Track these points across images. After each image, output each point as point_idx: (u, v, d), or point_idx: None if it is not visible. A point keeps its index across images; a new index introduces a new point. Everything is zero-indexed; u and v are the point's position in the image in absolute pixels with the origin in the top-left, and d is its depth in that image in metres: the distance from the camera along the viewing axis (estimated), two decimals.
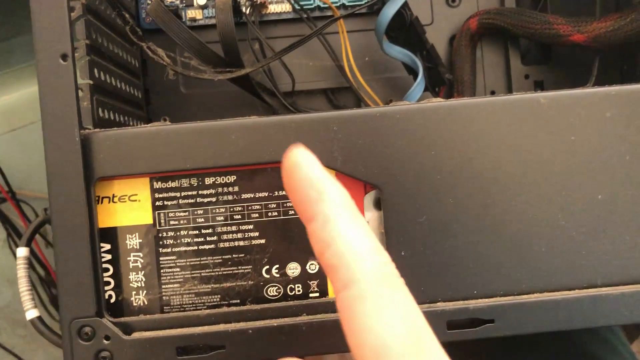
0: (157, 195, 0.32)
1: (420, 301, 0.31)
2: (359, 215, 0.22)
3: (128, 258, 0.32)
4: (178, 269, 0.32)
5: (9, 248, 0.76)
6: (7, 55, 0.73)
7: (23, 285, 0.35)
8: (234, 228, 0.32)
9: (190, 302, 0.32)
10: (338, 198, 0.21)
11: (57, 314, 0.77)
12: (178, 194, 0.32)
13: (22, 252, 0.35)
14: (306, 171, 0.22)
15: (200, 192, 0.32)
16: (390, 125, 0.31)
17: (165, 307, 0.32)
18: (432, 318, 0.31)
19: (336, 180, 0.22)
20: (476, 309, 0.31)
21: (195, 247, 0.32)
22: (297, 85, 0.50)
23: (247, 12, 0.48)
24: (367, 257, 0.21)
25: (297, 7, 0.48)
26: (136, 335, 0.31)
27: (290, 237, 0.32)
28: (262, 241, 0.33)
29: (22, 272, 0.35)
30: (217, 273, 0.32)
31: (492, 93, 0.51)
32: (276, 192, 0.32)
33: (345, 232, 0.21)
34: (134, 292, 0.32)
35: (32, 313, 0.34)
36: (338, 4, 0.49)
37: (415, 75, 0.45)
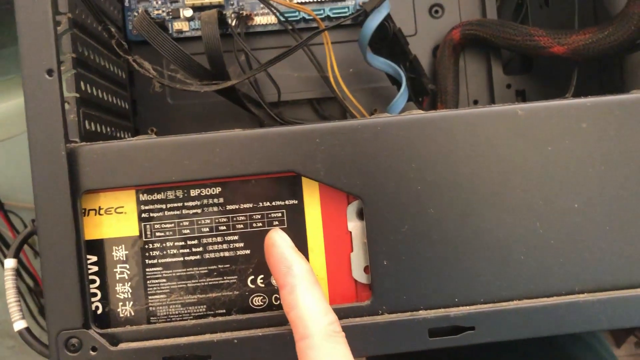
0: (143, 207, 0.33)
1: (402, 309, 0.32)
2: (315, 284, 0.30)
3: (114, 269, 0.33)
4: (164, 280, 0.33)
5: None
6: None
7: (11, 296, 0.35)
8: (219, 239, 0.33)
9: (177, 312, 0.33)
10: (301, 272, 0.29)
11: (46, 324, 0.77)
12: (164, 206, 0.33)
13: (10, 263, 0.35)
14: (280, 249, 0.30)
15: (185, 203, 0.33)
16: (371, 137, 0.32)
17: (151, 318, 0.33)
18: (414, 326, 0.32)
19: (302, 257, 0.30)
20: (457, 316, 0.32)
21: (181, 258, 0.33)
22: (283, 96, 0.50)
23: (233, 24, 0.48)
24: (318, 318, 0.28)
25: (282, 19, 0.48)
26: (123, 346, 0.32)
27: None
28: (247, 252, 0.33)
29: (9, 283, 0.35)
30: (202, 283, 0.33)
31: (475, 102, 0.52)
32: (260, 203, 0.33)
33: (304, 299, 0.29)
34: (120, 303, 0.33)
35: (20, 324, 0.34)
36: (323, 16, 0.50)
37: (399, 86, 0.46)
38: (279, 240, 0.30)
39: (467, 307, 0.32)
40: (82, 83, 0.38)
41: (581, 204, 0.32)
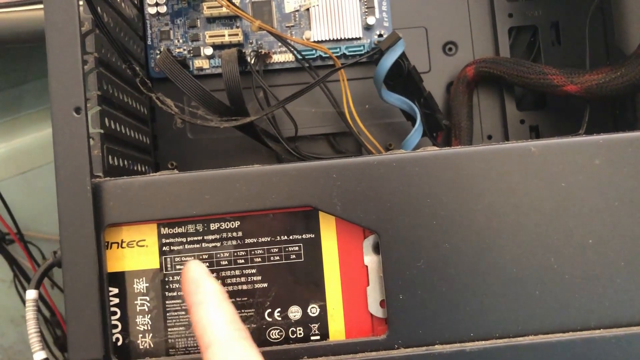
0: (164, 241, 0.34)
1: (418, 344, 0.32)
2: (225, 301, 0.30)
3: (135, 302, 0.33)
4: (183, 312, 0.33)
5: (15, 289, 0.76)
6: (17, 101, 0.75)
7: (32, 327, 0.35)
8: (237, 272, 0.34)
9: (195, 345, 0.33)
10: (209, 290, 0.30)
11: (60, 355, 0.77)
12: (184, 239, 0.34)
13: (31, 294, 0.36)
14: (192, 273, 0.31)
15: (205, 237, 0.34)
16: (387, 173, 0.33)
17: (170, 350, 0.33)
18: None
19: (214, 280, 0.31)
20: (473, 351, 0.32)
21: None
22: (300, 131, 0.51)
23: (252, 61, 0.50)
24: (221, 326, 0.28)
25: (299, 57, 0.50)
26: None
27: (292, 281, 0.34)
28: (265, 285, 0.34)
29: (30, 314, 0.36)
30: None
31: (489, 137, 0.53)
32: (278, 237, 0.34)
33: (210, 311, 0.29)
34: (140, 335, 0.33)
35: (39, 355, 0.35)
36: (339, 54, 0.51)
37: (414, 121, 0.47)
38: (192, 267, 0.31)
39: (483, 342, 0.32)
40: (106, 119, 0.39)
41: (595, 240, 0.32)
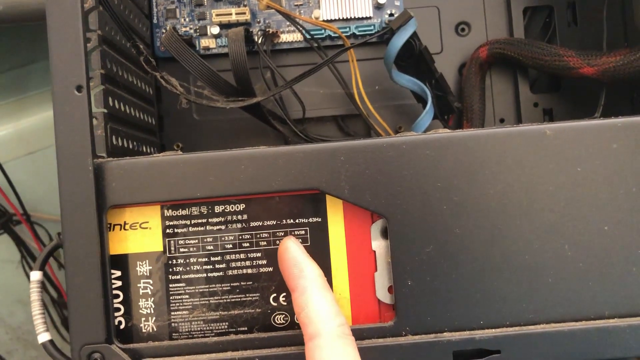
0: (167, 223, 0.33)
1: (426, 330, 0.31)
2: (326, 287, 0.30)
3: (138, 285, 0.33)
4: (187, 296, 0.33)
5: (22, 269, 0.77)
6: (24, 81, 0.74)
7: (36, 308, 0.35)
8: (242, 256, 0.33)
9: (199, 329, 0.33)
10: (313, 275, 0.30)
11: (68, 335, 0.77)
12: (188, 222, 0.33)
13: (35, 275, 0.35)
14: (292, 254, 0.31)
15: (209, 220, 0.33)
16: (396, 155, 0.32)
17: (173, 334, 0.33)
18: (438, 348, 0.31)
19: (314, 262, 0.31)
20: (482, 339, 0.31)
21: (204, 275, 0.33)
22: (308, 113, 0.50)
23: (259, 41, 0.49)
24: (327, 319, 0.29)
25: (308, 36, 0.49)
26: None
27: None
28: (270, 269, 0.33)
29: (35, 295, 0.35)
30: (225, 300, 0.33)
31: (502, 121, 0.52)
32: (284, 221, 0.33)
33: (314, 300, 0.29)
34: (143, 319, 0.33)
35: (44, 336, 0.35)
36: (348, 34, 0.50)
37: (425, 104, 0.46)
38: (291, 246, 0.31)
39: (493, 329, 0.31)
40: (110, 99, 0.38)
41: (611, 227, 0.31)
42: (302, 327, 0.29)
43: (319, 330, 0.28)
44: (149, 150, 0.47)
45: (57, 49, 0.31)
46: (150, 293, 0.33)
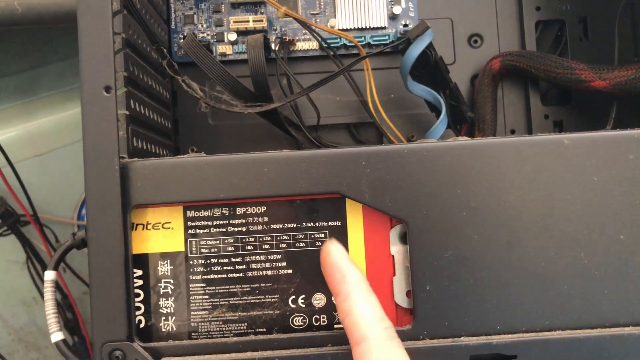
0: (189, 224, 0.33)
1: (443, 335, 0.32)
2: (370, 292, 0.30)
3: (159, 284, 0.33)
4: (207, 296, 0.33)
5: (27, 270, 0.77)
6: (34, 83, 0.75)
7: (49, 308, 0.35)
8: (262, 257, 0.33)
9: (218, 329, 0.33)
10: (356, 280, 0.30)
11: (70, 337, 0.77)
12: (210, 223, 0.33)
13: (50, 275, 0.36)
14: (335, 258, 0.31)
15: (231, 221, 0.33)
16: (417, 161, 0.32)
17: (193, 334, 0.33)
18: (456, 352, 0.31)
19: (357, 266, 0.31)
20: (499, 344, 0.31)
21: (225, 275, 0.33)
22: (322, 120, 0.51)
23: (276, 48, 0.49)
24: (374, 323, 0.29)
25: (324, 44, 0.49)
26: None
27: (317, 268, 0.33)
28: (290, 271, 0.33)
29: (49, 295, 0.36)
30: (244, 301, 0.33)
31: (512, 132, 0.52)
32: (304, 224, 0.33)
33: (359, 305, 0.29)
34: (163, 318, 0.33)
35: (57, 336, 0.35)
36: (363, 43, 0.51)
37: (438, 113, 0.47)
38: (334, 250, 0.31)
39: (510, 335, 0.32)
40: (131, 101, 0.39)
41: (627, 236, 0.32)
42: (347, 332, 0.29)
43: (365, 334, 0.28)
44: (164, 153, 0.47)
45: (87, 49, 0.32)
46: (170, 293, 0.33)
